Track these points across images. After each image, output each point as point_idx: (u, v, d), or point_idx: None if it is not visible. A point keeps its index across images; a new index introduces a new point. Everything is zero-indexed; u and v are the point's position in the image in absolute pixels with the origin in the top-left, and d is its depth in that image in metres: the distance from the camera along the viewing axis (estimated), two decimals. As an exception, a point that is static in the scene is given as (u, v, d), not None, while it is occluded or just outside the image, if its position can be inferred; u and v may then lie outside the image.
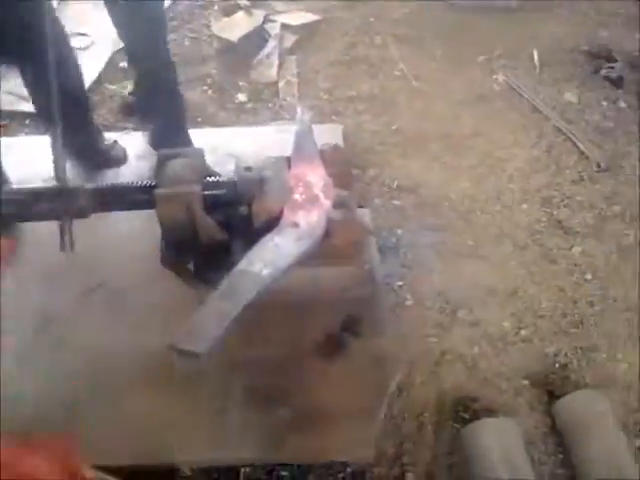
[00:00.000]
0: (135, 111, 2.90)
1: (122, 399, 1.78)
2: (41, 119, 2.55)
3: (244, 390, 1.80)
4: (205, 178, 1.95)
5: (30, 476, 0.94)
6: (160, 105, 2.52)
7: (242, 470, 1.73)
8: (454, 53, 3.36)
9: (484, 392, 1.92)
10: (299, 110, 2.34)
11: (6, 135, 2.76)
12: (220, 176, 1.97)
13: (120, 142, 2.64)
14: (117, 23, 2.33)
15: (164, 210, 1.86)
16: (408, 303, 2.16)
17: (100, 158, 2.55)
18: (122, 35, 2.40)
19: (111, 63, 3.25)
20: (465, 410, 1.87)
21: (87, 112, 2.55)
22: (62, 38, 2.29)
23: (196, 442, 1.70)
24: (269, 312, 1.85)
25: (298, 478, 1.74)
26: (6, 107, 2.89)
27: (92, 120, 2.61)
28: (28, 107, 2.62)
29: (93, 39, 3.36)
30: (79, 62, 2.41)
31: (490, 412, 1.86)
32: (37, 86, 2.27)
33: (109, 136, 2.65)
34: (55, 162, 1.86)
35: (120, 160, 2.59)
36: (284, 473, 1.74)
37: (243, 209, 1.85)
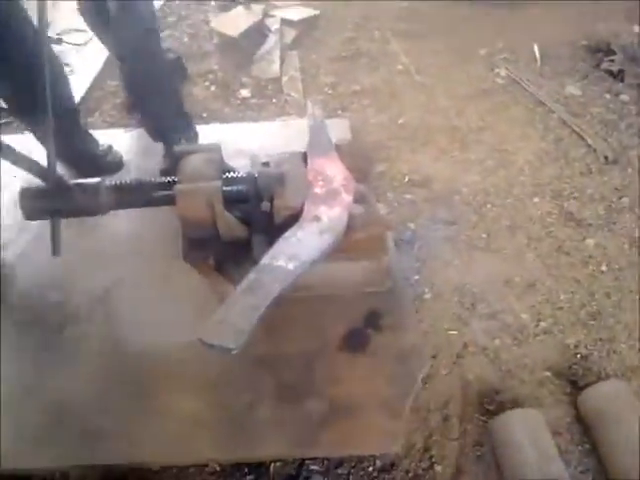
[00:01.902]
0: (132, 108, 2.86)
1: (149, 397, 1.77)
2: (22, 121, 2.48)
3: (272, 385, 1.79)
4: (224, 174, 1.94)
5: None
6: (157, 97, 2.44)
7: (272, 465, 1.72)
8: (455, 47, 3.38)
9: (507, 384, 1.92)
10: (309, 105, 2.34)
11: (8, 133, 2.71)
12: (238, 172, 1.96)
13: (117, 145, 2.57)
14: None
15: (184, 206, 1.84)
16: (426, 297, 2.15)
17: (96, 164, 2.46)
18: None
19: (111, 58, 3.21)
20: (490, 402, 1.88)
21: (75, 118, 2.47)
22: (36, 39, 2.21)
23: (225, 438, 1.69)
24: (292, 307, 1.85)
25: (328, 472, 1.73)
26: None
27: (82, 126, 2.53)
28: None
29: (91, 35, 3.31)
30: (63, 67, 2.40)
31: (514, 404, 1.86)
32: (16, 91, 2.19)
33: (105, 140, 2.58)
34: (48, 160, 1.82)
35: (117, 165, 2.51)
36: (314, 467, 1.73)
37: (265, 205, 1.84)
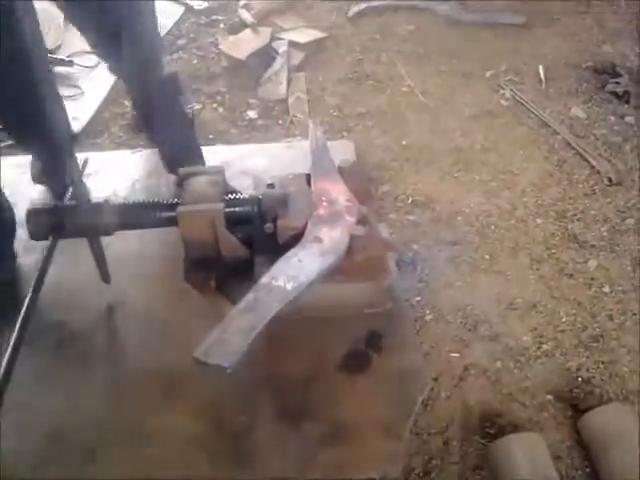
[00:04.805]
0: (141, 130, 2.88)
1: (148, 416, 1.78)
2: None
3: (271, 406, 1.79)
4: (227, 195, 1.96)
5: None
6: (166, 122, 2.47)
7: (270, 487, 1.72)
8: (460, 69, 3.39)
9: (509, 407, 1.92)
10: (312, 126, 2.36)
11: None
12: (241, 193, 1.99)
13: (125, 166, 2.64)
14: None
15: (186, 227, 1.87)
16: (428, 318, 2.15)
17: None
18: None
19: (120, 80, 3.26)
20: (491, 425, 1.87)
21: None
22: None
23: (224, 458, 1.69)
24: (292, 327, 1.86)
25: (326, 495, 1.73)
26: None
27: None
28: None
29: (101, 57, 3.37)
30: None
31: (515, 427, 1.86)
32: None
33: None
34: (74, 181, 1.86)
35: None
36: (312, 490, 1.73)
37: (268, 226, 1.86)
